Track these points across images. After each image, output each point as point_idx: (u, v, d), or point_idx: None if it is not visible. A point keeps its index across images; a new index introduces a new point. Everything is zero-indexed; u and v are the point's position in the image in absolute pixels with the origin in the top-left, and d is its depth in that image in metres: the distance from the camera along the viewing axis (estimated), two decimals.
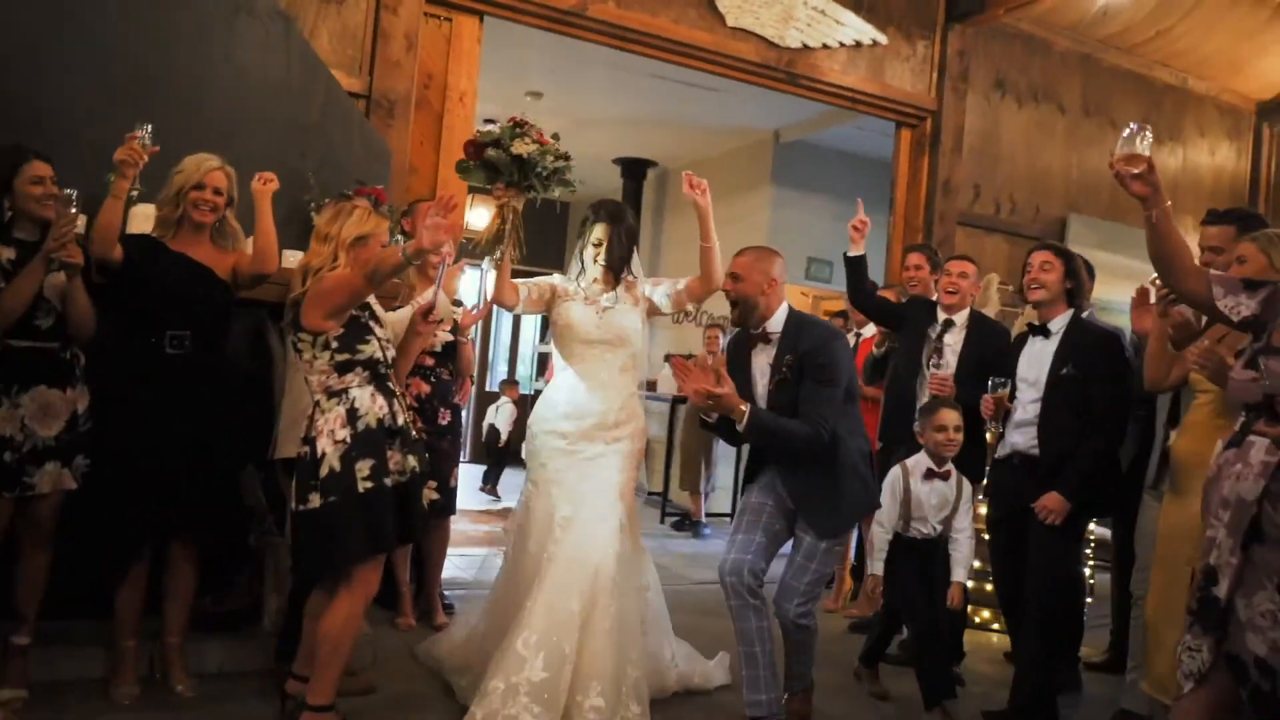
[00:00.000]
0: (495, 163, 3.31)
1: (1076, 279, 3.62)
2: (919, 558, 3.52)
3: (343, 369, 2.88)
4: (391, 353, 3.01)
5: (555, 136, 3.45)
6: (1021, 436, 3.50)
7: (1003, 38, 6.44)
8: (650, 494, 9.03)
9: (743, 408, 3.03)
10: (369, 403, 2.86)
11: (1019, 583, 3.47)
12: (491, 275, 3.56)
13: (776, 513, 3.26)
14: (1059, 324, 3.55)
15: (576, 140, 8.71)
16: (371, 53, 4.65)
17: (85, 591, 3.17)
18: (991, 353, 3.89)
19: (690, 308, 5.13)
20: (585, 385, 3.35)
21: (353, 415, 2.84)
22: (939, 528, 3.55)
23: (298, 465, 2.89)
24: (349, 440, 2.80)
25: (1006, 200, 6.55)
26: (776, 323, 3.23)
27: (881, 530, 3.53)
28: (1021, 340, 3.70)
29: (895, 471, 3.56)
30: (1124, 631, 3.93)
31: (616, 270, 3.44)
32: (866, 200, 4.32)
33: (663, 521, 7.67)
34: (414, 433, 3.00)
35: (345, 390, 2.86)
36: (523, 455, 3.56)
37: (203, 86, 3.79)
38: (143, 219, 3.39)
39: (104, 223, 2.95)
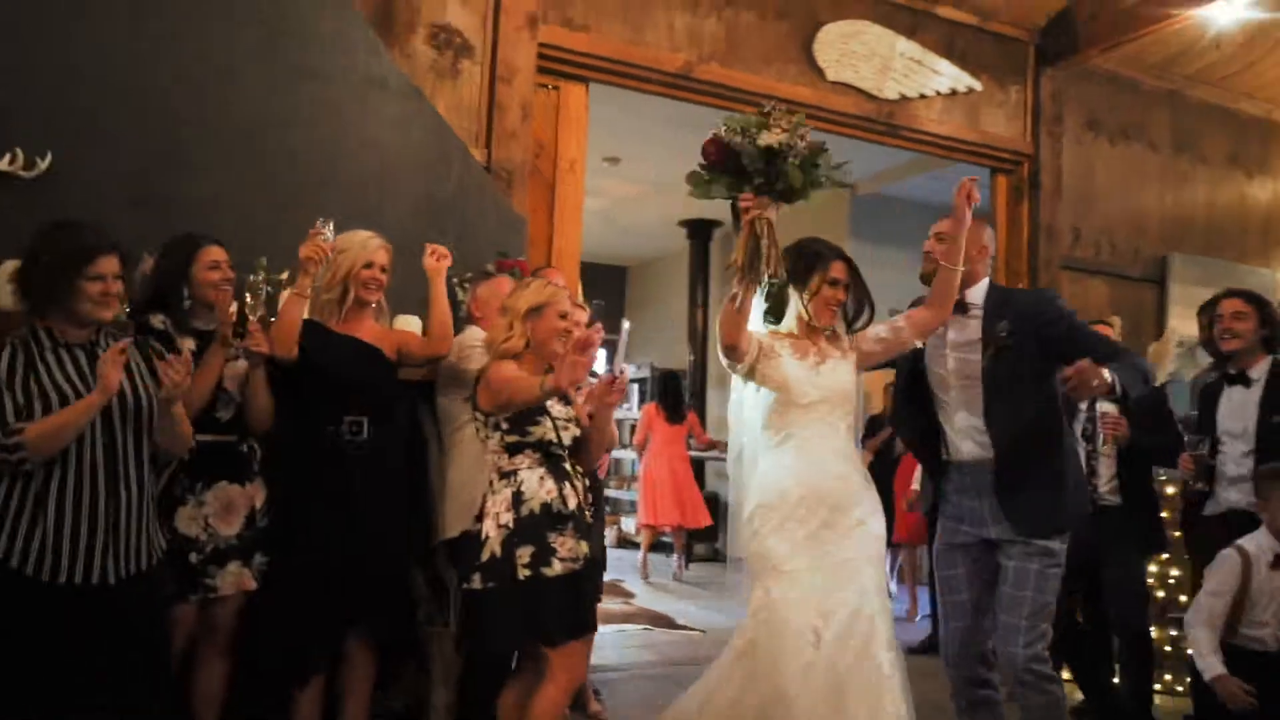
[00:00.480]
0: (742, 160, 2.55)
1: (1273, 325, 3.51)
2: (1253, 676, 2.88)
3: (513, 450, 2.80)
4: (572, 433, 2.88)
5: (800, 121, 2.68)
6: (1238, 493, 3.35)
7: (1093, 79, 6.37)
8: (738, 560, 8.80)
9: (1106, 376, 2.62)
10: (536, 486, 2.76)
11: None
12: (625, 340, 3.28)
13: (974, 576, 2.93)
14: (1259, 371, 3.43)
15: (647, 205, 8.76)
16: (488, 124, 4.58)
17: (265, 700, 2.99)
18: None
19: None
20: (813, 458, 2.76)
21: (518, 499, 2.75)
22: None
23: (465, 544, 2.84)
24: (511, 525, 2.72)
25: (1106, 242, 6.42)
26: (977, 294, 2.92)
27: (1208, 634, 2.96)
28: (1213, 392, 3.56)
29: (1231, 554, 3.00)
30: None
31: (851, 321, 2.96)
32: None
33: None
34: (588, 517, 2.86)
35: (514, 472, 2.79)
36: (744, 561, 2.86)
37: (338, 164, 3.74)
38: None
39: (287, 320, 2.86)
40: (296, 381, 2.94)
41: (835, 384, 2.82)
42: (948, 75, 5.82)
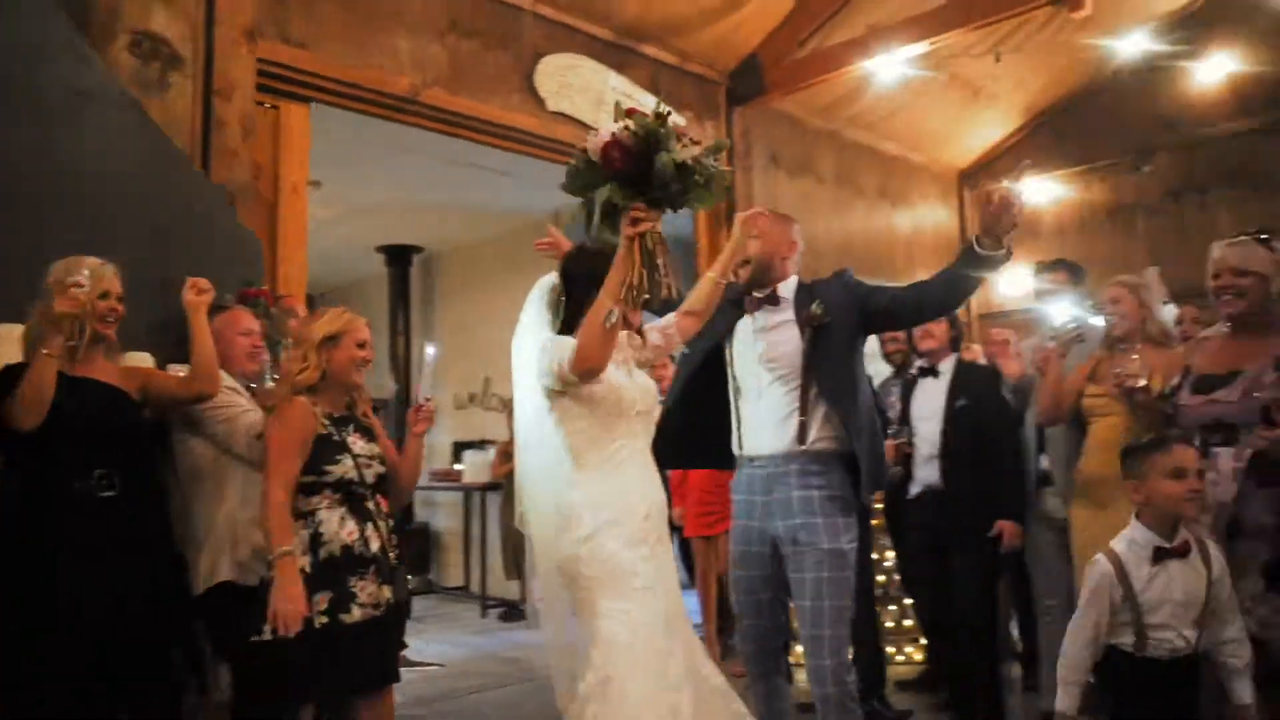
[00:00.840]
0: (652, 170, 2.32)
1: (958, 329, 4.15)
2: (1168, 686, 2.52)
3: (308, 490, 2.66)
4: (375, 470, 2.77)
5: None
6: (931, 470, 4.01)
7: (773, 118, 7.05)
8: (449, 589, 8.67)
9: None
10: (336, 527, 2.65)
11: None
12: (430, 366, 3.26)
13: (772, 576, 2.94)
14: (947, 366, 4.10)
15: (344, 229, 8.40)
16: (204, 142, 4.22)
17: None
18: None
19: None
20: (646, 470, 2.61)
21: (315, 541, 2.63)
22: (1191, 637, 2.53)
23: (258, 590, 2.63)
24: (308, 569, 2.58)
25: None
26: (788, 288, 3.02)
27: (1086, 656, 2.55)
28: (909, 386, 4.21)
29: (1101, 561, 2.59)
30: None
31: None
32: None
33: (485, 615, 7.38)
34: (393, 559, 2.74)
35: (312, 513, 2.66)
36: (583, 576, 2.48)
37: (51, 185, 3.27)
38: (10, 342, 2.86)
39: (42, 385, 2.47)
40: (29, 434, 2.55)
41: (648, 388, 2.67)
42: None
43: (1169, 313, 4.19)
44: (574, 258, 2.70)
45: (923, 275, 8.10)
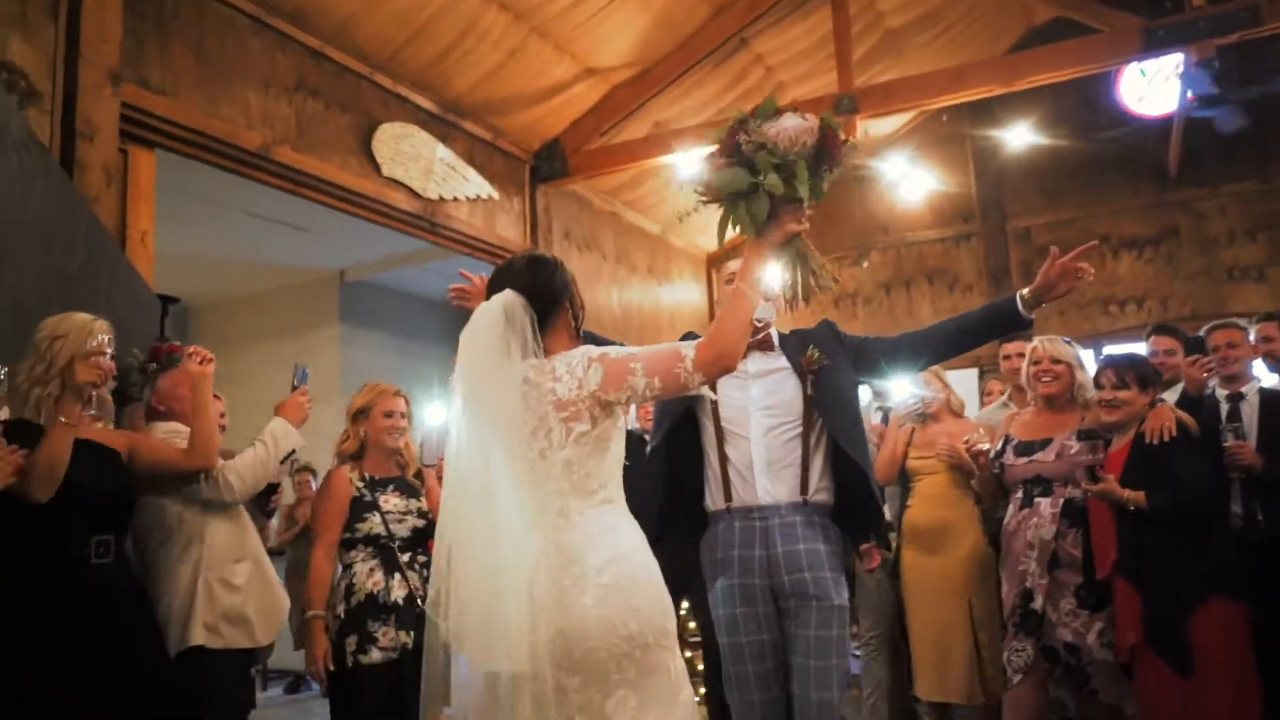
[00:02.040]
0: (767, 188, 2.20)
1: None
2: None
3: (347, 545, 3.12)
4: (411, 524, 3.16)
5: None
6: None
7: (567, 197, 7.55)
8: None
9: None
10: (364, 578, 3.06)
11: None
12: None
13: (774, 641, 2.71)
14: None
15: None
16: None
17: None
18: None
19: None
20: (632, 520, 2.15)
21: (349, 590, 3.07)
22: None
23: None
24: (342, 615, 3.04)
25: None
26: (774, 331, 2.92)
27: None
28: None
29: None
30: None
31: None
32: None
33: (266, 688, 7.00)
34: (420, 605, 3.00)
35: (349, 566, 3.11)
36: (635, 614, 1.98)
37: None
38: None
39: (56, 457, 2.38)
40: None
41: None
42: (474, 182, 6.47)
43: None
44: (530, 275, 2.17)
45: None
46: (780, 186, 2.19)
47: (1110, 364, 3.49)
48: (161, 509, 2.92)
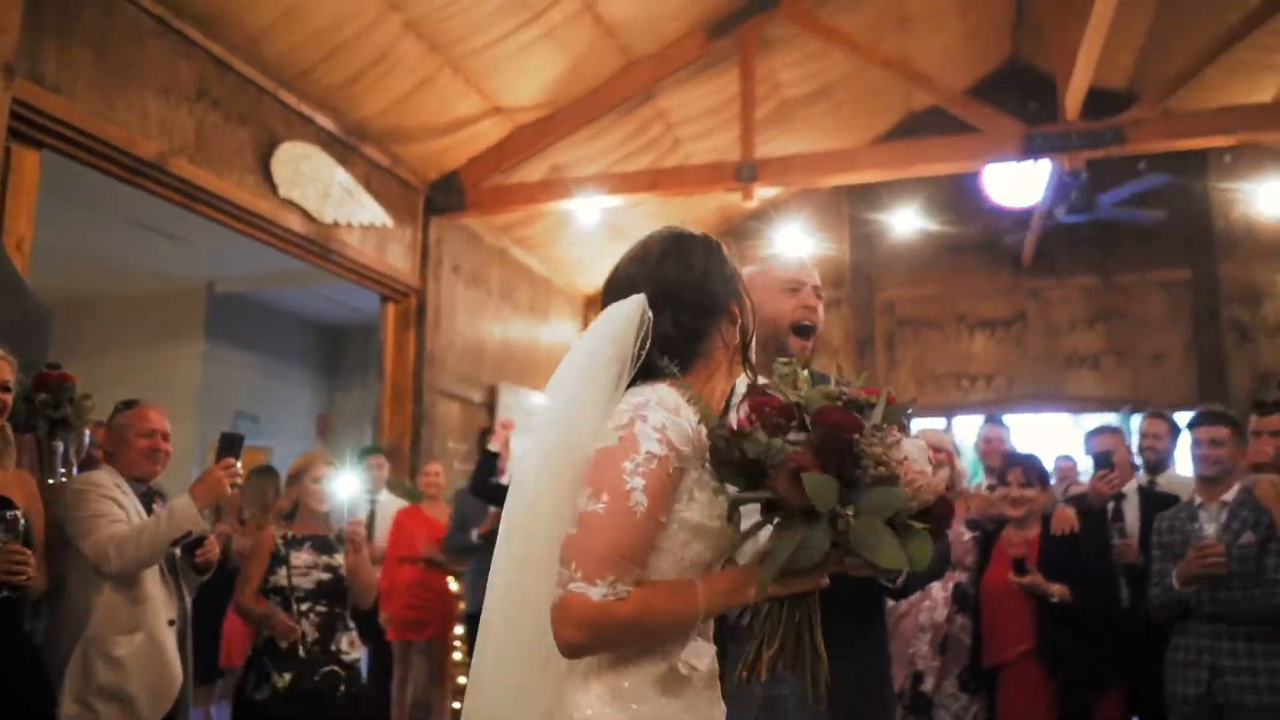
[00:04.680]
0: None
1: None
2: None
3: (263, 593, 3.45)
4: (316, 577, 3.44)
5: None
6: None
7: (457, 231, 7.45)
8: None
9: None
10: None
11: None
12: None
13: None
14: None
15: None
16: None
17: None
18: None
19: None
20: None
21: (256, 633, 3.49)
22: None
23: None
24: (249, 655, 3.49)
25: (461, 370, 7.47)
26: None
27: None
28: None
29: None
30: None
31: None
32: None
33: None
34: (303, 651, 3.36)
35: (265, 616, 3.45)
36: None
37: None
38: None
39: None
40: None
41: None
42: (370, 209, 6.30)
43: None
44: (669, 263, 1.54)
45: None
46: (869, 532, 1.37)
47: (1017, 463, 3.74)
48: (71, 564, 2.70)
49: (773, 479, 1.40)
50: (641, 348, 1.48)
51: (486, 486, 4.88)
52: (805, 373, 1.48)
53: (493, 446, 4.92)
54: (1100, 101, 7.68)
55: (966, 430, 8.13)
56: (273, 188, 5.47)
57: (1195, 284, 8.59)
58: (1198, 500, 3.49)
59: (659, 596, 1.40)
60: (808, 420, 1.43)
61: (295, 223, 5.64)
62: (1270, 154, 8.28)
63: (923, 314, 9.29)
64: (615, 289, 1.56)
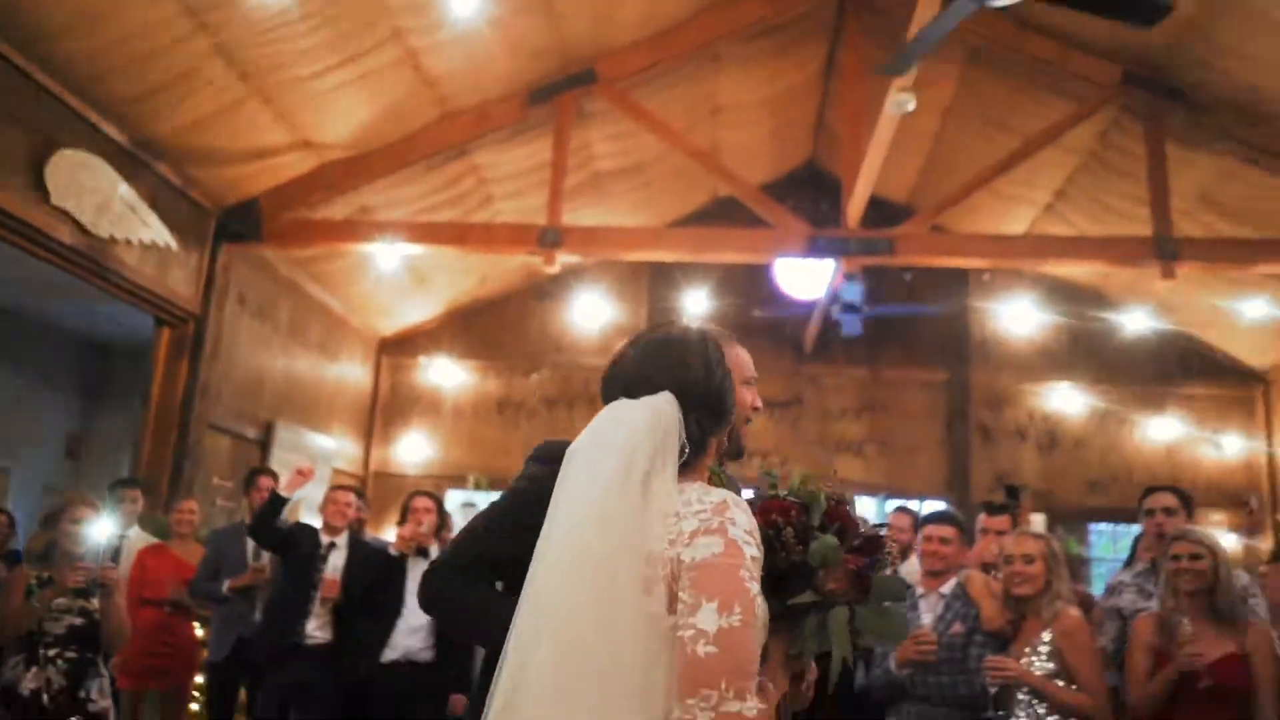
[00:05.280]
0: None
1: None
2: None
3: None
4: (67, 622, 3.33)
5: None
6: None
7: (249, 260, 7.17)
8: None
9: None
10: (10, 668, 3.29)
11: None
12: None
13: None
14: None
15: None
16: None
17: None
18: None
19: None
20: None
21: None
22: None
23: None
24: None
25: (236, 404, 7.14)
26: None
27: None
28: None
29: None
30: None
31: None
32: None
33: None
34: (45, 700, 3.22)
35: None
36: None
37: None
38: None
39: None
40: None
41: None
42: (154, 227, 6.00)
43: None
44: (700, 363, 1.61)
45: (340, 428, 8.68)
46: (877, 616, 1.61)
47: None
48: None
49: (825, 580, 1.58)
50: (683, 447, 1.52)
51: (269, 531, 4.69)
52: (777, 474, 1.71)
53: (284, 492, 4.71)
54: (884, 212, 8.41)
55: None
56: (45, 194, 5.11)
57: (950, 386, 9.42)
58: (920, 591, 3.82)
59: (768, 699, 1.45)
60: (814, 521, 1.62)
61: (65, 234, 5.28)
62: (1020, 278, 9.26)
63: None
64: (628, 381, 1.58)
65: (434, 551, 4.84)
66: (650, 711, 1.35)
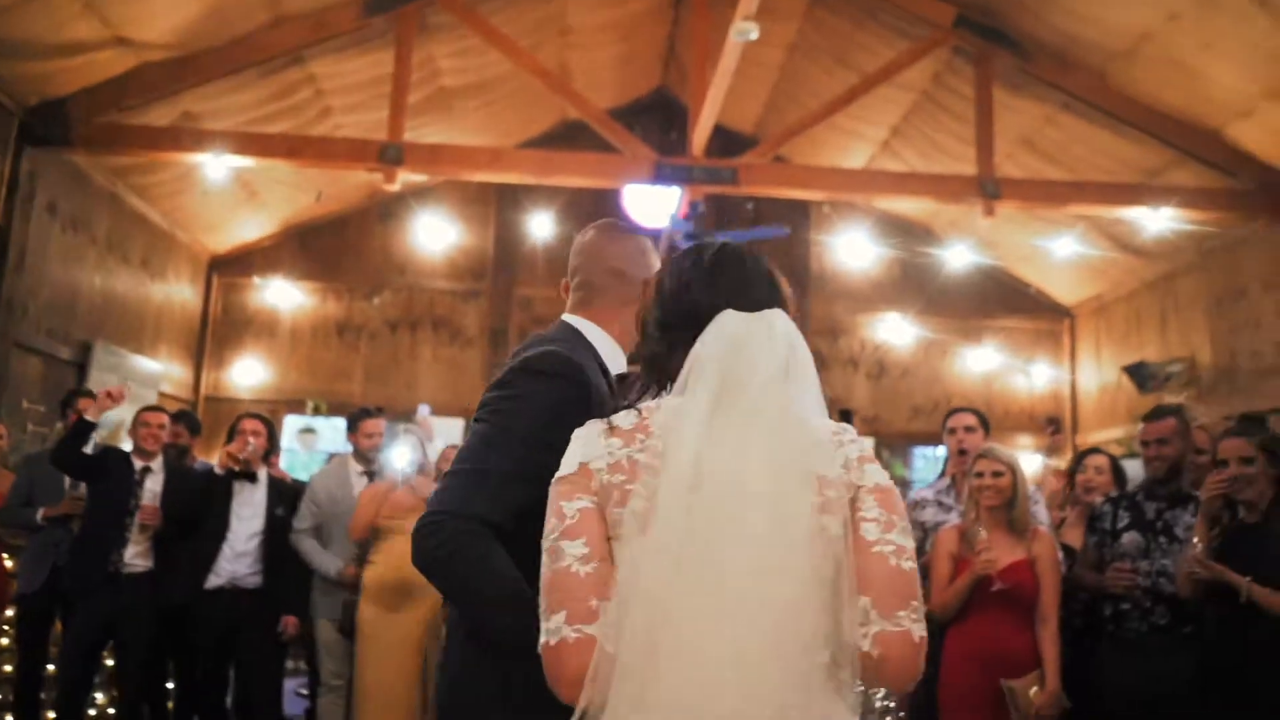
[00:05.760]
0: None
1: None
2: None
3: None
4: None
5: None
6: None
7: (61, 166, 6.64)
8: None
9: None
10: None
11: None
12: None
13: None
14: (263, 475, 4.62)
15: None
16: None
17: None
18: None
19: None
20: None
21: None
22: None
23: None
24: None
25: (47, 322, 6.67)
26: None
27: None
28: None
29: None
30: None
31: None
32: None
33: None
34: None
35: None
36: None
37: None
38: None
39: None
40: None
41: None
42: None
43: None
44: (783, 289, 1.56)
45: (166, 350, 8.27)
46: None
47: None
48: None
49: None
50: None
51: (73, 458, 4.44)
52: None
53: (90, 416, 4.44)
54: (731, 142, 8.53)
55: None
56: None
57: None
58: None
59: None
60: None
61: None
62: (859, 211, 9.61)
63: (555, 313, 9.61)
64: (712, 305, 1.46)
65: (262, 476, 4.72)
66: (842, 637, 1.28)
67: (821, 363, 9.67)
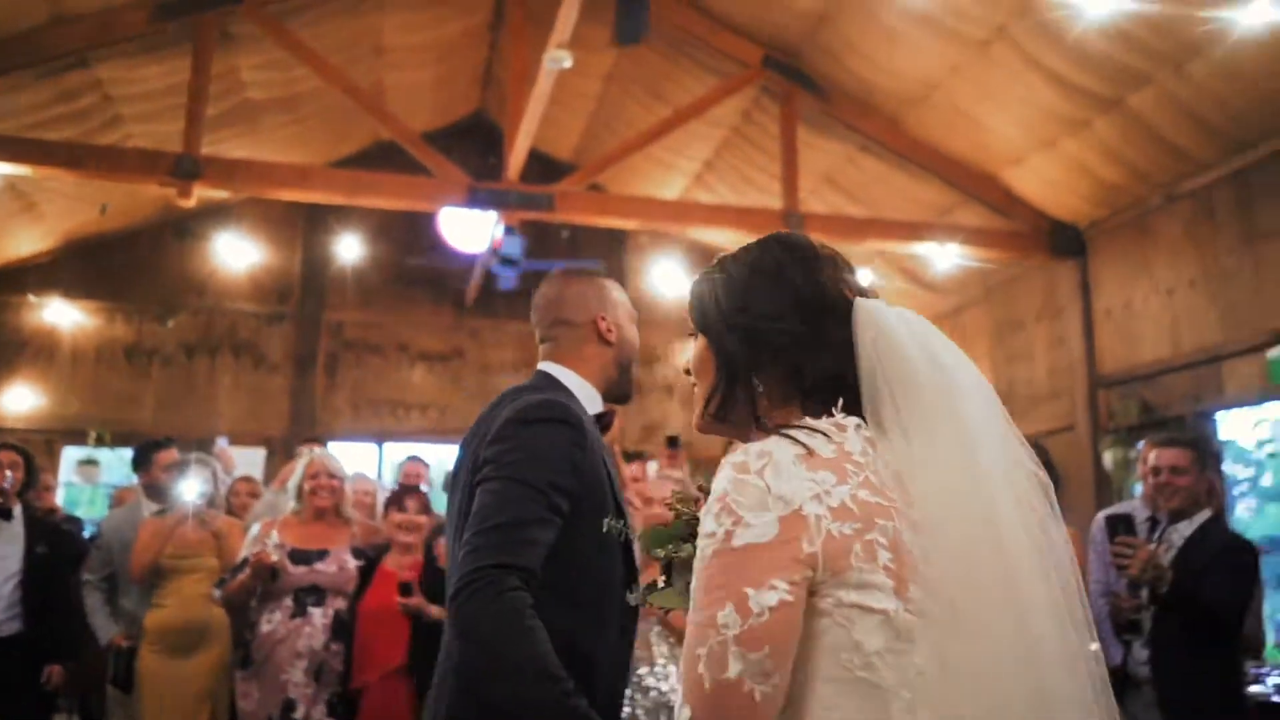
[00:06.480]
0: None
1: None
2: None
3: None
4: None
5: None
6: None
7: None
8: None
9: None
10: None
11: None
12: None
13: None
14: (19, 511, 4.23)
15: None
16: None
17: None
18: None
19: None
20: None
21: None
22: None
23: None
24: None
25: None
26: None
27: None
28: None
29: None
30: None
31: None
32: None
33: None
34: None
35: None
36: None
37: None
38: None
39: None
40: None
41: None
42: None
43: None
44: None
45: None
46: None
47: (413, 493, 3.99)
48: None
49: None
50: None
51: None
52: None
53: None
54: (549, 169, 8.55)
55: (395, 457, 8.39)
56: None
57: None
58: None
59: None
60: None
61: None
62: (672, 241, 9.83)
63: (367, 338, 9.40)
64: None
65: (17, 513, 4.31)
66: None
67: (638, 389, 9.80)
